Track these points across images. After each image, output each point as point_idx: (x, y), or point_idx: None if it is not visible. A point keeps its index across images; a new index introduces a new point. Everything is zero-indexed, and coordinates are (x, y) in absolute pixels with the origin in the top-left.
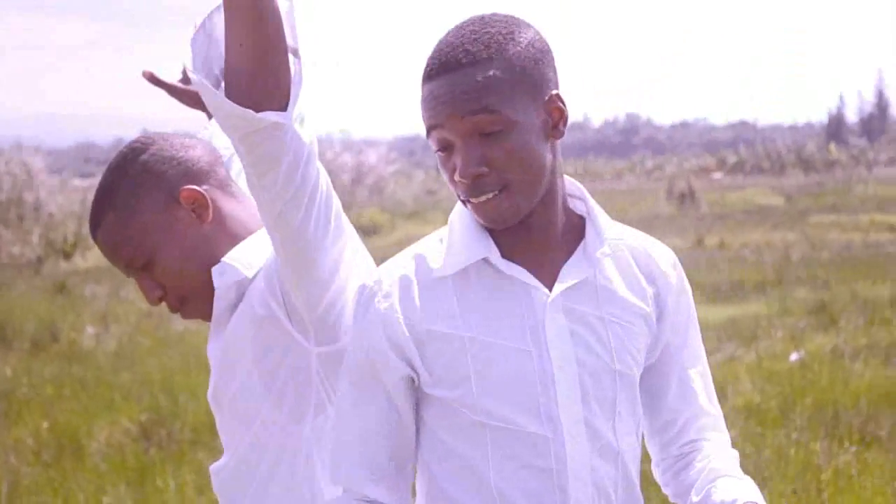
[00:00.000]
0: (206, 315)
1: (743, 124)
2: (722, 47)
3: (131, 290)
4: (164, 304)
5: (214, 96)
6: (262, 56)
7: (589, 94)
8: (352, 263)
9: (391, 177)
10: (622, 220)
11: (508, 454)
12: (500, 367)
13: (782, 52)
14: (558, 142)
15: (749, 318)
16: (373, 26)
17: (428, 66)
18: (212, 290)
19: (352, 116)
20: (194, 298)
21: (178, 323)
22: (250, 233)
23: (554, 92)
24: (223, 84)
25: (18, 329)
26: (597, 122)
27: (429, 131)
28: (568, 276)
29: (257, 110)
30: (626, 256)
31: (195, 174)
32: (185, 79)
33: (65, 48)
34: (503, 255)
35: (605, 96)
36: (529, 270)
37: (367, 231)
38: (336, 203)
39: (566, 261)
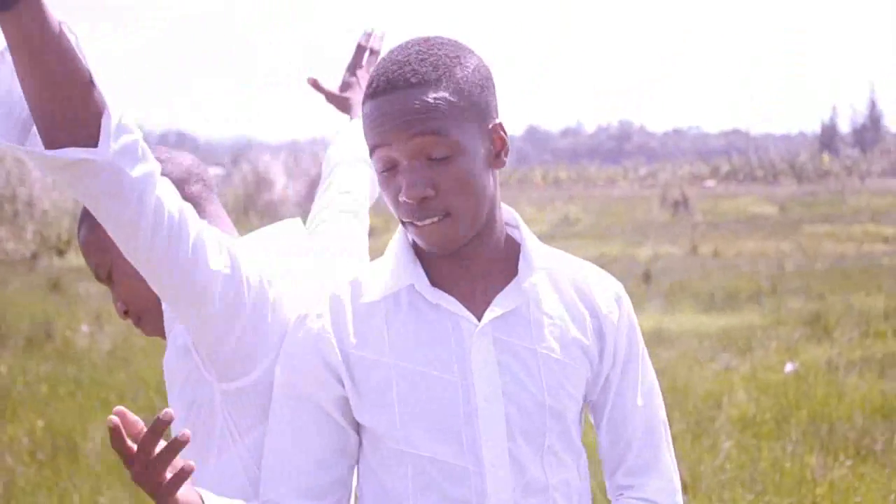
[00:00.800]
0: (163, 334)
1: (736, 133)
2: (722, 48)
3: None
4: None
5: None
6: (50, 91)
7: (588, 94)
8: (239, 298)
9: None
10: (617, 227)
11: (428, 485)
12: (424, 395)
13: (782, 52)
14: (497, 171)
15: (743, 328)
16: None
17: (373, 83)
18: (161, 309)
19: (344, 119)
20: (148, 316)
21: None
22: None
23: (497, 121)
24: None
25: (13, 326)
26: (590, 127)
27: (373, 150)
28: (498, 306)
29: (64, 146)
30: (568, 288)
31: None
32: (343, 86)
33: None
34: (434, 283)
35: (606, 96)
36: (459, 300)
37: None
38: (195, 232)
39: (501, 291)
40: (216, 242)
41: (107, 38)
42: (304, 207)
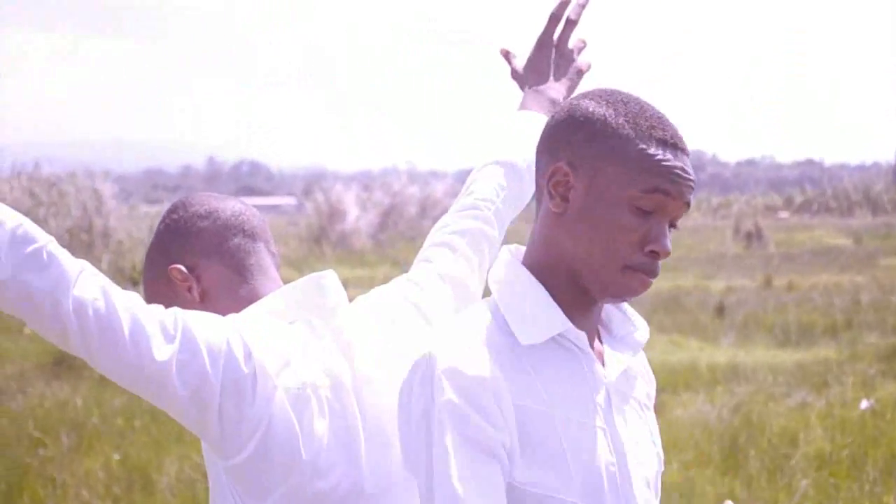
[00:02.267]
0: None
1: (809, 163)
2: (722, 48)
3: None
4: None
5: None
6: None
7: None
8: (204, 380)
9: None
10: (690, 259)
11: None
12: (587, 446)
13: (782, 52)
14: None
15: (818, 363)
16: (430, 65)
17: (665, 133)
18: None
19: (416, 149)
20: None
21: None
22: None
23: None
24: None
25: None
26: None
27: (653, 190)
28: (617, 358)
29: None
30: None
31: (198, 247)
32: (528, 64)
33: (116, 71)
34: None
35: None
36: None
37: None
38: (129, 326)
39: (606, 339)
40: (161, 329)
41: (105, 38)
42: (376, 238)
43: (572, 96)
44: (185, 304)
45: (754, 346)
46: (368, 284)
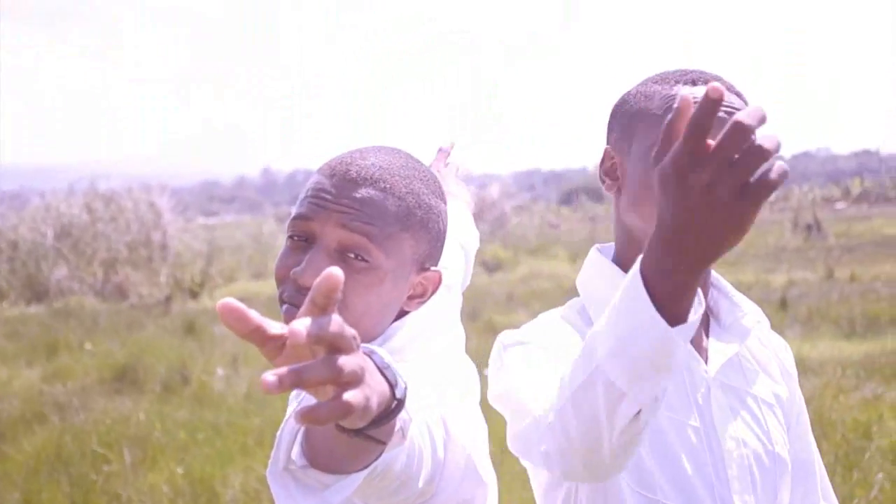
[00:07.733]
0: None
1: (866, 153)
2: (722, 47)
3: None
4: None
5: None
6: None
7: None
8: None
9: (513, 211)
10: (749, 253)
11: None
12: (675, 441)
13: (782, 52)
14: None
15: (887, 354)
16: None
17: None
18: None
19: (468, 153)
20: None
21: None
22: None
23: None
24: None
25: (150, 371)
26: None
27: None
28: (721, 349)
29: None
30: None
31: (439, 255)
32: None
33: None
34: None
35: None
36: None
37: (490, 267)
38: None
39: (712, 331)
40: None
41: (206, 70)
42: None
43: None
44: (390, 294)
45: (820, 338)
46: None
